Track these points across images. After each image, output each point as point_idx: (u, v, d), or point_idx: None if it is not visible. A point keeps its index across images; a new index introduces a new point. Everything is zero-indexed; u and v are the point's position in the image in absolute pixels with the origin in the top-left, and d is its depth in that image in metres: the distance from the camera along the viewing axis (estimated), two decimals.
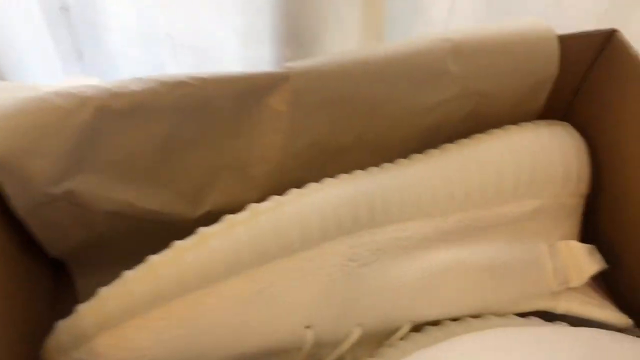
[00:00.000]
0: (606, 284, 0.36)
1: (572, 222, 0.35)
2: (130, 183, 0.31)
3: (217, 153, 0.32)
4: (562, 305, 0.33)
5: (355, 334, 0.29)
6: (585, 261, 0.33)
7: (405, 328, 0.30)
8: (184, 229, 0.28)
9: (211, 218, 0.28)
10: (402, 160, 0.32)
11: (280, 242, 0.26)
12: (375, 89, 0.32)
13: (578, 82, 0.36)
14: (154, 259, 0.26)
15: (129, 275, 0.26)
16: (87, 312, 0.25)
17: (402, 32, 0.51)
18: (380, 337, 0.31)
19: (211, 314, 0.26)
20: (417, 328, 0.31)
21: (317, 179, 0.31)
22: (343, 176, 0.30)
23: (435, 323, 0.31)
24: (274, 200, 0.27)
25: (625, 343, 0.28)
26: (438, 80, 0.33)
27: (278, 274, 0.27)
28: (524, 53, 0.33)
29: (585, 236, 0.36)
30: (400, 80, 0.32)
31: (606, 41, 0.33)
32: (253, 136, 0.32)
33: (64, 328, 0.26)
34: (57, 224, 0.31)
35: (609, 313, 0.33)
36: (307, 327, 0.28)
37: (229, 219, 0.27)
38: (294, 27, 0.49)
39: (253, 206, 0.27)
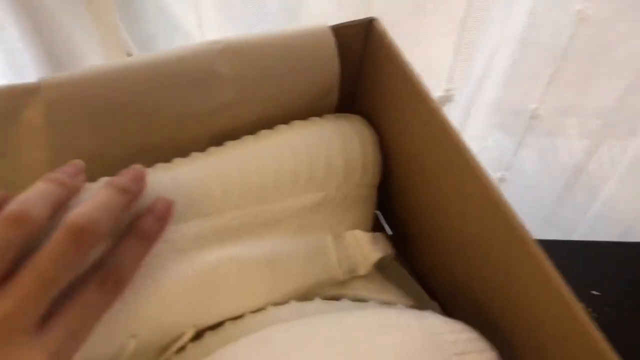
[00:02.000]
0: (405, 257, 0.38)
1: (361, 212, 0.35)
2: None
3: None
4: (349, 293, 0.33)
5: (130, 346, 0.28)
6: (369, 249, 0.34)
7: (189, 333, 0.30)
8: None
9: None
10: (178, 159, 0.32)
11: None
12: (144, 96, 0.31)
13: (355, 72, 0.37)
14: None
15: None
16: None
17: None
18: (160, 348, 0.30)
19: None
20: (201, 334, 0.31)
21: None
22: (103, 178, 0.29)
23: (218, 325, 0.31)
24: None
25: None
26: (210, 83, 0.32)
27: None
28: (301, 49, 0.34)
29: (384, 212, 0.37)
30: (170, 86, 0.32)
31: (368, 30, 0.35)
32: (17, 154, 0.31)
33: None
34: None
35: (392, 297, 0.34)
36: None
37: None
38: (54, 57, 0.48)
39: None
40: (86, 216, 0.24)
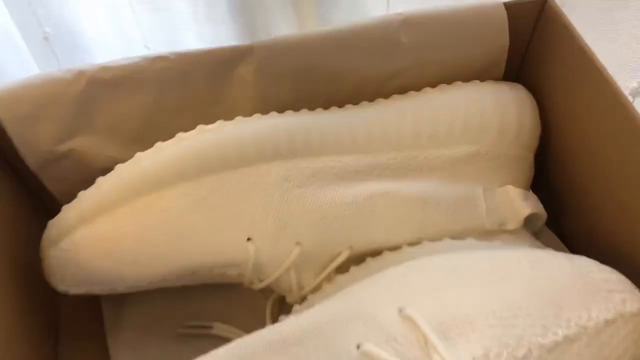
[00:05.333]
0: (556, 230, 0.39)
1: (515, 174, 0.37)
2: (121, 144, 0.36)
3: (201, 119, 0.36)
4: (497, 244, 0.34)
5: (295, 252, 0.33)
6: (519, 205, 0.35)
7: (345, 253, 0.34)
8: None
9: None
10: (349, 105, 0.37)
11: (220, 156, 0.32)
12: (334, 59, 0.37)
13: (524, 48, 0.39)
14: (119, 166, 0.32)
15: (100, 179, 0.32)
16: (68, 210, 0.32)
17: None
18: (321, 263, 0.34)
19: (163, 214, 0.31)
20: (359, 260, 0.34)
21: None
22: (287, 112, 0.35)
23: (376, 254, 0.34)
24: (219, 123, 0.33)
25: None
26: (391, 50, 0.37)
27: (219, 183, 0.32)
28: (474, 23, 0.37)
29: (538, 188, 0.37)
30: (357, 51, 0.37)
31: (541, 8, 0.37)
32: (229, 103, 0.38)
33: (52, 224, 0.32)
34: (64, 179, 0.36)
35: None
36: (249, 239, 0.32)
37: (178, 135, 0.32)
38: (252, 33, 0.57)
39: (200, 126, 0.33)
40: None
